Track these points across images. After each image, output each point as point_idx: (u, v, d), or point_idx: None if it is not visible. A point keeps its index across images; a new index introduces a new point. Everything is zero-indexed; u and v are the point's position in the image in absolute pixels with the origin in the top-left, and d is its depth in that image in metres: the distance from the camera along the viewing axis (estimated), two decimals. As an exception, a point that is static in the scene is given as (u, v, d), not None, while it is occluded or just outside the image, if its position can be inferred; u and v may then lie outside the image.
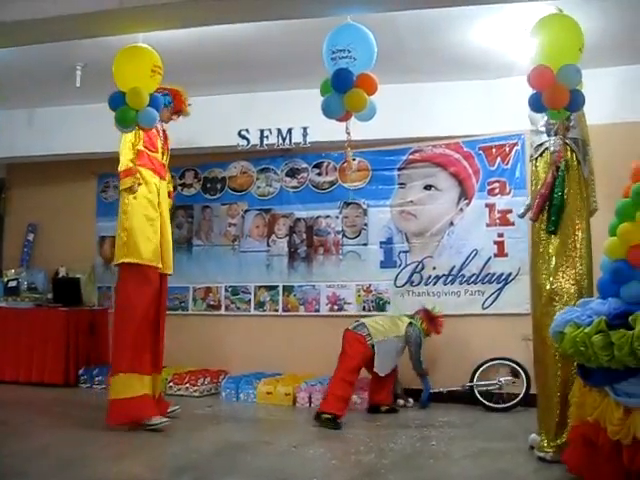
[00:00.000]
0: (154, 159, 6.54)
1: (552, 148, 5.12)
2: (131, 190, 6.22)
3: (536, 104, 4.46)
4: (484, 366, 7.29)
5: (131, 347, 6.28)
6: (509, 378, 7.14)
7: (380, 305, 7.98)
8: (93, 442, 5.77)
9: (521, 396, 6.92)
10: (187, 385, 7.90)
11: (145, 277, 6.38)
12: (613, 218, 4.39)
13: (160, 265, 6.46)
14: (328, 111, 5.13)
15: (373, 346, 6.76)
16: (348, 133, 5.29)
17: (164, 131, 6.81)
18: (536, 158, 5.35)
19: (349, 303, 8.16)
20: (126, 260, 6.31)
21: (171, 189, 7.01)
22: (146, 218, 6.39)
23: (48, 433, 6.10)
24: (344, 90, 5.04)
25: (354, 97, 5.06)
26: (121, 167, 6.32)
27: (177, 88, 6.54)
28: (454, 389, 7.29)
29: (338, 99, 5.05)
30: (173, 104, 6.60)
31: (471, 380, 7.27)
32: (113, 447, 5.66)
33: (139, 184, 6.25)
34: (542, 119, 5.18)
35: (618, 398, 3.96)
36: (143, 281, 6.36)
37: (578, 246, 5.13)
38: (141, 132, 6.21)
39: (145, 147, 6.44)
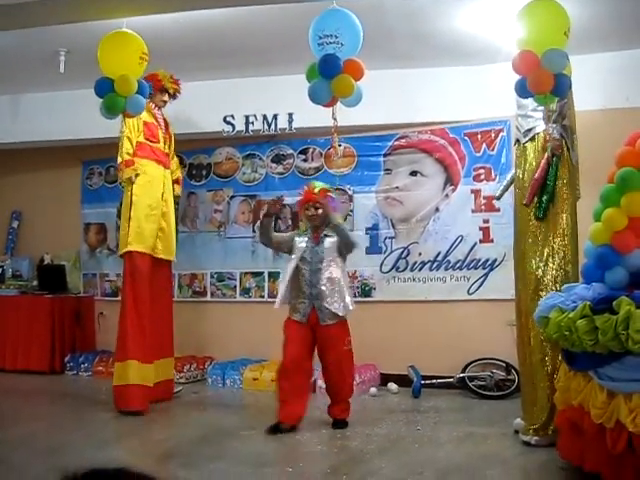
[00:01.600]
0: (156, 150, 6.71)
1: (554, 134, 5.11)
2: (130, 181, 6.49)
3: (522, 90, 4.46)
4: (475, 363, 7.31)
5: (127, 335, 6.42)
6: (501, 373, 7.15)
7: (366, 291, 7.99)
8: (79, 429, 5.78)
9: (515, 385, 6.85)
10: (183, 373, 7.89)
11: (141, 265, 6.57)
12: (598, 204, 4.41)
13: (158, 254, 6.69)
14: (315, 97, 5.12)
15: None
16: (334, 119, 5.28)
17: (165, 119, 6.90)
18: (525, 143, 5.35)
19: (335, 289, 8.15)
20: (127, 249, 6.54)
21: (179, 175, 7.19)
22: (148, 209, 6.60)
23: (33, 421, 6.10)
24: (331, 76, 5.03)
25: (341, 83, 5.06)
26: (119, 159, 6.52)
27: (150, 73, 6.52)
28: (445, 381, 7.29)
29: (325, 85, 5.04)
30: (152, 89, 6.60)
31: (463, 372, 7.29)
32: (99, 434, 5.67)
33: (137, 175, 6.49)
34: (531, 103, 5.18)
35: (602, 382, 3.98)
36: (139, 269, 6.56)
37: (565, 232, 5.16)
38: (139, 124, 6.38)
39: (146, 139, 6.65)
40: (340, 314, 5.78)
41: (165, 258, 6.79)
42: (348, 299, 5.82)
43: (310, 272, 5.79)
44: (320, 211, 5.84)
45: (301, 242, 5.93)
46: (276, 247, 6.46)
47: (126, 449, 5.34)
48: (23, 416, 6.27)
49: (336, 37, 5.03)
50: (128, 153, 6.49)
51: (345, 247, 5.91)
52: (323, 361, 5.93)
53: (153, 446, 5.37)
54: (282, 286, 6.02)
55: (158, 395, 6.61)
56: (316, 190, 5.88)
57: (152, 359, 6.53)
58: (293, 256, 5.89)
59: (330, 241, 5.88)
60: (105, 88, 5.36)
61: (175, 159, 7.21)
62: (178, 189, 7.15)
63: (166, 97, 6.83)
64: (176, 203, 7.13)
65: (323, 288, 5.74)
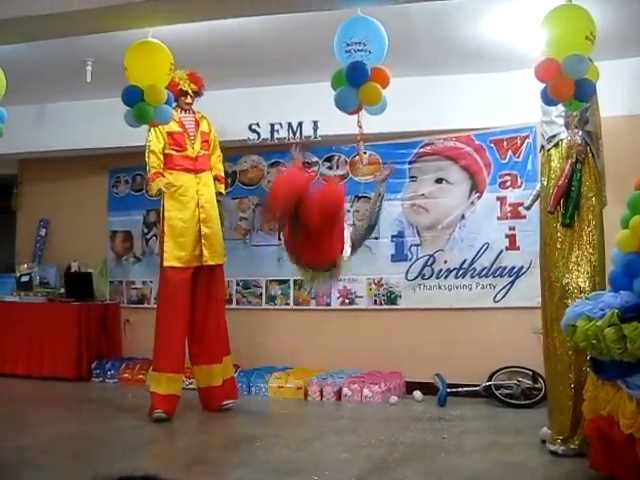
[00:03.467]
0: (183, 158, 6.69)
1: (576, 140, 5.08)
2: (160, 192, 6.58)
3: (547, 97, 4.43)
4: (501, 371, 7.26)
5: (157, 347, 6.58)
6: (527, 381, 7.08)
7: (391, 299, 7.96)
8: (105, 435, 5.82)
9: (542, 394, 6.75)
10: (196, 376, 7.89)
11: (175, 279, 6.62)
12: (625, 211, 4.37)
13: (207, 261, 6.68)
14: (342, 104, 5.10)
15: None
16: (360, 127, 5.27)
17: (196, 119, 6.87)
18: (549, 149, 5.32)
19: (360, 297, 8.14)
20: (163, 265, 6.65)
21: (217, 172, 7.04)
22: (180, 222, 6.63)
23: (60, 427, 6.14)
24: (359, 83, 5.02)
25: (369, 91, 5.04)
26: (147, 174, 6.68)
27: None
28: (471, 389, 7.24)
29: (352, 92, 5.02)
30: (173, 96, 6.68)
31: (489, 380, 7.24)
32: (125, 440, 5.69)
33: (167, 184, 6.56)
34: (555, 109, 5.14)
35: (631, 391, 3.94)
36: (173, 283, 6.62)
37: (592, 240, 5.11)
38: (163, 135, 6.41)
39: (172, 149, 6.67)
40: None
41: (214, 264, 6.76)
42: None
43: None
44: None
45: None
46: None
47: (152, 456, 5.36)
48: (50, 422, 6.30)
49: (364, 45, 5.02)
50: (153, 167, 6.58)
51: None
52: None
53: (179, 453, 5.38)
54: None
55: (226, 395, 6.75)
56: None
57: (179, 369, 6.59)
58: None
59: None
60: (135, 97, 5.39)
61: (217, 154, 7.08)
62: (219, 186, 7.02)
63: (189, 99, 6.78)
64: (218, 200, 7.09)
65: None
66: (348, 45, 5.01)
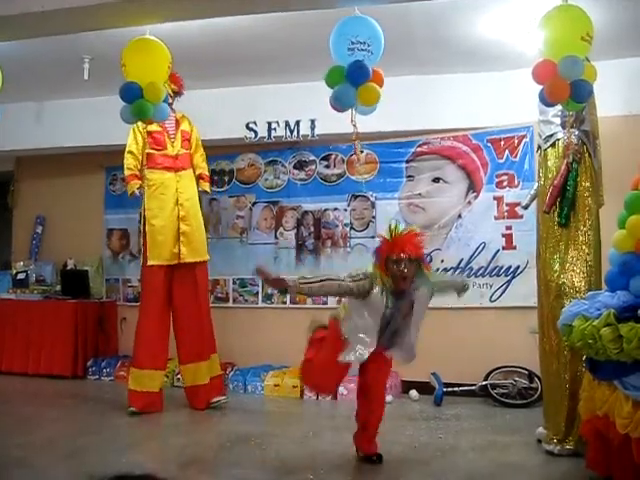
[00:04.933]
0: (163, 156, 6.73)
1: (572, 139, 5.08)
2: (134, 195, 6.74)
3: (544, 99, 4.43)
4: (497, 371, 7.27)
5: (136, 344, 6.70)
6: (524, 381, 7.09)
7: (388, 297, 7.95)
8: (101, 433, 5.81)
9: (538, 393, 6.77)
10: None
11: (151, 277, 6.72)
12: (621, 211, 4.37)
13: (184, 258, 6.70)
14: (339, 101, 5.08)
15: None
16: (354, 125, 5.27)
17: (177, 119, 6.87)
18: (546, 149, 5.33)
19: (357, 295, 8.13)
20: (150, 263, 6.71)
21: (201, 171, 7.06)
22: (159, 220, 6.68)
23: (56, 424, 6.13)
24: (360, 83, 5.02)
25: (369, 91, 5.05)
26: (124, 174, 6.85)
27: None
28: (467, 389, 7.25)
29: (352, 91, 5.02)
30: None
31: (485, 379, 7.25)
32: (120, 438, 5.70)
33: (139, 188, 6.70)
34: (553, 109, 5.15)
35: (627, 392, 3.94)
36: (150, 280, 6.74)
37: (588, 240, 5.12)
38: (141, 136, 6.45)
39: (152, 148, 6.73)
40: None
41: (193, 261, 6.76)
42: None
43: None
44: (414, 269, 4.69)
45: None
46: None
47: (147, 454, 5.35)
48: (46, 420, 6.29)
49: (368, 45, 5.02)
50: (129, 168, 6.72)
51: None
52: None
53: (174, 451, 5.37)
54: None
55: (211, 393, 6.76)
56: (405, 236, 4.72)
57: (161, 366, 6.71)
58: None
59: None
60: (134, 93, 5.38)
61: (200, 153, 7.09)
62: (203, 185, 7.04)
63: (169, 99, 6.56)
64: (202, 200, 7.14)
65: None
66: (352, 43, 4.99)
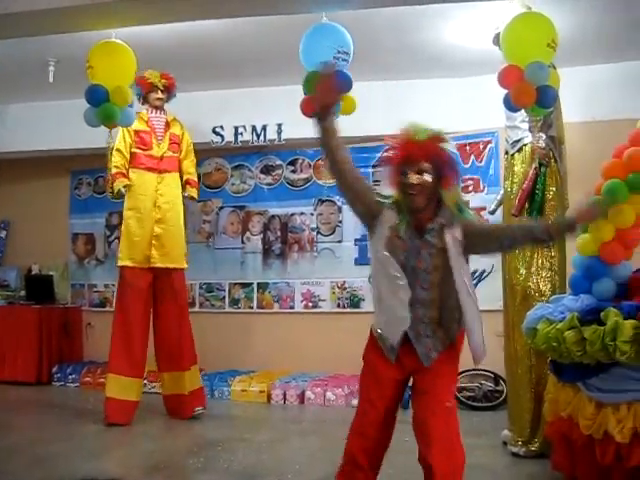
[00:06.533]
0: (148, 157, 6.61)
1: (540, 144, 5.14)
2: (120, 194, 6.55)
3: (509, 104, 4.48)
4: (463, 374, 7.30)
5: (113, 348, 6.46)
6: (489, 384, 7.16)
7: (354, 302, 7.99)
8: (67, 440, 5.75)
9: (504, 396, 6.81)
10: (162, 383, 7.85)
11: (129, 279, 6.55)
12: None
13: (155, 263, 6.54)
14: None
15: None
16: None
17: (167, 120, 6.78)
18: (513, 154, 5.39)
19: (324, 300, 8.17)
20: (118, 264, 6.63)
21: (188, 177, 6.90)
22: (135, 220, 6.56)
23: (21, 431, 6.08)
24: (344, 92, 5.06)
25: (349, 101, 5.11)
26: (109, 173, 6.56)
27: (138, 75, 6.48)
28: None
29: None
30: (143, 91, 6.64)
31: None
32: (87, 445, 5.65)
33: (125, 186, 6.51)
34: (520, 114, 5.21)
35: (590, 393, 4.00)
36: (127, 283, 6.56)
37: (553, 244, 5.18)
38: (128, 135, 6.36)
39: (138, 147, 6.60)
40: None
41: (164, 266, 6.58)
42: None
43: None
44: (428, 179, 3.16)
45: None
46: (351, 194, 3.37)
47: (114, 460, 5.31)
48: (10, 427, 6.23)
49: (348, 55, 5.08)
50: (116, 166, 6.51)
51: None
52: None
53: (141, 458, 5.33)
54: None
55: (195, 404, 6.63)
56: (421, 137, 3.22)
57: (139, 373, 6.50)
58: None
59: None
60: (100, 96, 5.34)
61: (191, 159, 6.95)
62: (190, 190, 6.86)
63: (159, 94, 6.66)
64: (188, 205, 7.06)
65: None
66: (339, 52, 5.03)
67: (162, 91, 6.66)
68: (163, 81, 6.63)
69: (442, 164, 3.16)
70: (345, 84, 4.73)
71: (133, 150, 6.59)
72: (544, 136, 5.16)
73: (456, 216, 3.21)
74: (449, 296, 3.29)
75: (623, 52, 6.74)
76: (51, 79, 7.11)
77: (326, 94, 3.27)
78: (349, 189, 3.35)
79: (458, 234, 3.18)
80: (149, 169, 6.60)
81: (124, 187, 6.51)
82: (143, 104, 6.69)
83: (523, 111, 4.81)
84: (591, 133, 6.86)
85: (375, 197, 3.34)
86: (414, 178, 3.14)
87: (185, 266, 6.81)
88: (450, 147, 3.21)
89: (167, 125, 6.78)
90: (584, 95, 6.90)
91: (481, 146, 7.64)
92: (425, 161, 3.14)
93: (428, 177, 3.14)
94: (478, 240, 3.24)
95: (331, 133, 3.26)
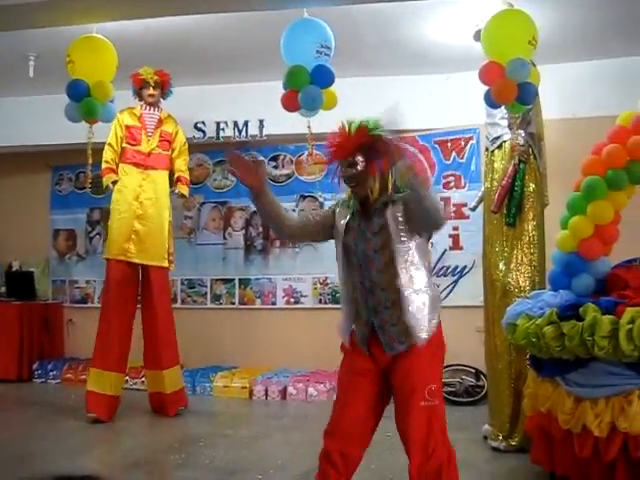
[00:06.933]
0: (135, 152, 6.58)
1: (518, 140, 5.17)
2: (108, 189, 6.56)
3: (490, 100, 4.50)
4: (445, 369, 7.33)
5: (97, 342, 6.46)
6: (470, 379, 7.19)
7: (336, 298, 7.99)
8: (48, 437, 5.74)
9: (485, 391, 6.84)
10: (143, 379, 7.82)
11: (113, 273, 6.54)
12: (565, 211, 4.47)
13: (131, 258, 6.51)
14: (310, 103, 5.10)
15: None
16: (309, 127, 5.33)
17: (160, 119, 6.73)
18: (493, 151, 5.42)
19: (305, 296, 8.18)
20: (104, 256, 6.65)
21: (179, 174, 6.84)
22: (117, 213, 6.56)
23: (1, 429, 6.04)
24: (325, 86, 5.07)
25: (331, 95, 5.12)
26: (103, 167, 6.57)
27: (133, 72, 6.52)
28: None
29: (320, 93, 5.06)
30: (136, 87, 6.64)
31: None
32: (67, 442, 5.62)
33: (114, 182, 6.51)
34: (500, 111, 5.23)
35: (569, 388, 4.03)
36: (111, 277, 6.55)
37: (533, 240, 5.22)
38: (120, 130, 6.34)
39: (127, 142, 6.59)
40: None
41: (141, 263, 6.56)
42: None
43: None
44: (360, 168, 3.18)
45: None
46: (308, 237, 3.57)
47: (94, 457, 5.30)
48: (-10, 424, 6.21)
49: (330, 50, 5.09)
50: (106, 161, 6.51)
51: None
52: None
53: (121, 454, 5.33)
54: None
55: (177, 403, 6.62)
56: (350, 131, 3.21)
57: (120, 368, 6.45)
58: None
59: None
60: (81, 91, 5.32)
61: (183, 158, 6.89)
62: (180, 187, 6.80)
63: (151, 90, 6.62)
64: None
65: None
66: (322, 47, 5.03)
67: (154, 87, 6.62)
68: (155, 77, 6.59)
69: (372, 151, 3.15)
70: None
71: (123, 145, 6.57)
72: (523, 133, 5.20)
73: (398, 194, 3.19)
74: None
75: (604, 49, 6.78)
76: (31, 74, 7.06)
77: (246, 177, 3.26)
78: (303, 236, 3.56)
79: (399, 211, 3.16)
80: (135, 164, 6.58)
81: (112, 183, 6.51)
82: (139, 100, 6.68)
83: (503, 108, 4.84)
84: (573, 130, 6.89)
85: (319, 216, 3.43)
86: (347, 171, 3.21)
87: (166, 265, 6.71)
88: (385, 132, 3.12)
89: (160, 122, 6.74)
90: (565, 92, 6.94)
91: (462, 142, 7.67)
92: (353, 153, 3.17)
93: (360, 167, 3.18)
94: (407, 212, 3.14)
95: (268, 206, 3.38)
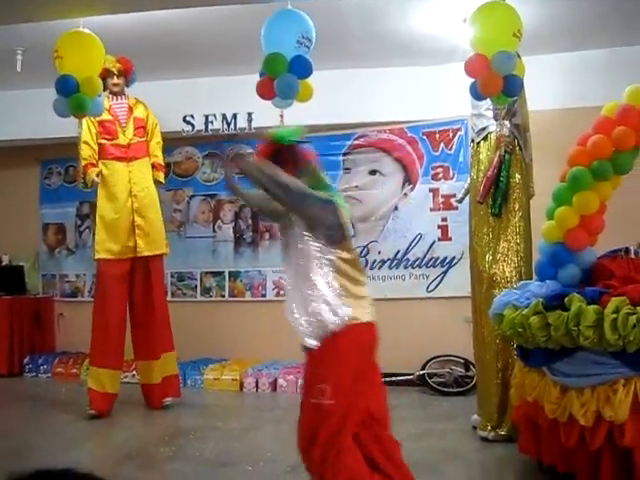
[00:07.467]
0: (114, 146, 6.55)
1: (503, 132, 5.20)
2: (94, 183, 6.49)
3: (476, 92, 4.51)
4: (434, 360, 7.38)
5: (93, 341, 6.48)
6: (460, 369, 7.23)
7: (326, 290, 8.02)
8: (39, 432, 5.76)
9: (474, 381, 6.91)
10: (134, 372, 7.83)
11: (107, 272, 6.52)
12: (551, 202, 4.50)
13: (142, 252, 6.51)
14: (285, 90, 5.10)
15: None
16: (281, 116, 5.36)
17: (130, 106, 6.69)
18: (478, 142, 5.45)
19: (295, 288, 8.18)
20: (95, 257, 6.61)
21: (155, 160, 6.82)
22: (111, 212, 6.52)
23: (-8, 423, 6.06)
24: (303, 77, 5.08)
25: (306, 87, 5.13)
26: (79, 166, 6.50)
27: None
28: (405, 378, 7.33)
29: (295, 82, 5.06)
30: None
31: (422, 369, 7.37)
32: (59, 436, 5.65)
33: (97, 175, 6.46)
34: (485, 103, 5.25)
35: (555, 378, 4.07)
36: (104, 276, 6.54)
37: (519, 230, 5.26)
38: (93, 126, 6.32)
39: (103, 138, 6.55)
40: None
41: (150, 254, 6.57)
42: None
43: None
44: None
45: None
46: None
47: (86, 451, 5.32)
48: (-19, 419, 6.22)
49: (310, 42, 5.09)
50: (84, 158, 6.46)
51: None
52: None
53: (113, 447, 5.36)
54: None
55: (165, 393, 6.62)
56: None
57: (117, 365, 6.48)
58: None
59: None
60: (70, 87, 5.31)
61: (157, 140, 6.87)
62: (156, 174, 6.79)
63: (115, 79, 6.54)
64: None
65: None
66: (303, 38, 5.04)
67: (117, 76, 6.54)
68: (118, 65, 6.51)
69: (278, 159, 3.36)
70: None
71: (100, 141, 6.52)
72: (508, 124, 5.22)
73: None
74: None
75: (590, 40, 6.80)
76: (19, 68, 7.04)
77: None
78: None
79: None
80: (118, 159, 6.55)
81: (97, 175, 6.46)
82: (104, 90, 6.63)
83: (488, 99, 4.85)
84: (562, 120, 6.91)
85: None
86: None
87: (166, 251, 6.80)
88: (295, 138, 3.41)
89: (130, 110, 6.69)
90: (556, 83, 7.00)
91: (451, 134, 7.69)
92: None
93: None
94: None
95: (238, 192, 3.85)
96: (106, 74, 6.48)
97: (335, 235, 3.27)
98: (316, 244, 3.25)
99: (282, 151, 3.40)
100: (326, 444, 3.22)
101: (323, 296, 3.24)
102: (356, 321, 3.36)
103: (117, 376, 6.49)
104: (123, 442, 5.46)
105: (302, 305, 3.29)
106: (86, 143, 6.47)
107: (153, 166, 6.79)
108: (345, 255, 3.30)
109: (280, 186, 3.23)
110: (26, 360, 8.55)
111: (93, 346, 6.47)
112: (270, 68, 5.08)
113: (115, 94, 6.63)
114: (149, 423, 6.20)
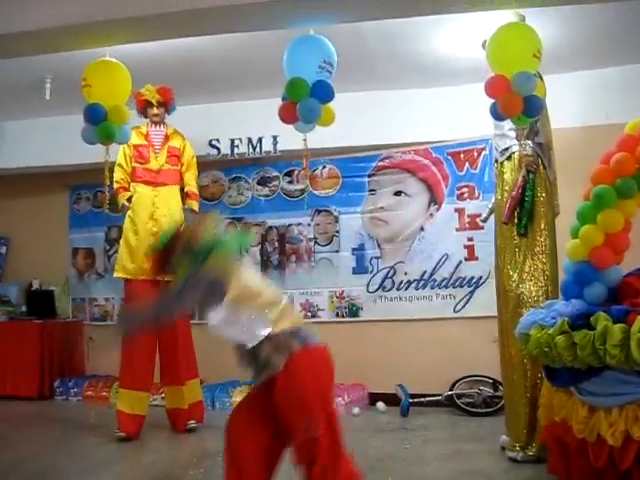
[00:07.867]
0: (145, 170, 6.66)
1: (527, 151, 5.20)
2: (124, 207, 6.63)
3: (496, 113, 4.53)
4: (463, 381, 7.36)
5: (122, 363, 6.52)
6: (488, 390, 7.19)
7: (353, 311, 8.03)
8: (68, 454, 5.80)
9: (503, 401, 6.85)
10: (162, 395, 7.86)
11: (132, 291, 6.60)
12: (575, 220, 4.49)
13: (141, 276, 6.50)
14: (307, 115, 5.15)
15: None
16: (304, 140, 5.41)
17: (166, 135, 6.81)
18: (502, 162, 5.45)
19: (322, 309, 8.20)
20: (115, 275, 6.76)
21: (189, 189, 6.92)
22: (132, 233, 6.62)
23: (23, 445, 6.10)
24: (325, 101, 5.13)
25: (328, 111, 5.18)
26: (112, 189, 6.56)
27: (137, 92, 6.54)
28: (433, 399, 7.31)
29: (317, 106, 5.11)
30: (139, 108, 6.74)
31: (451, 389, 7.34)
32: (88, 459, 5.67)
33: (128, 199, 6.61)
34: (507, 123, 5.26)
35: (582, 397, 4.04)
36: (130, 295, 6.64)
37: (544, 249, 5.23)
38: (127, 150, 6.52)
39: (136, 161, 6.68)
40: None
41: (162, 279, 6.34)
42: None
43: None
44: None
45: None
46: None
47: (114, 473, 5.34)
48: (13, 441, 6.26)
49: (332, 67, 5.15)
50: (117, 181, 6.58)
51: None
52: None
53: (141, 470, 5.38)
54: None
55: (190, 418, 6.63)
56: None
57: (147, 387, 6.51)
58: None
59: None
60: (99, 115, 5.41)
61: (192, 172, 6.98)
62: (190, 203, 6.88)
63: (155, 110, 6.70)
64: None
65: None
66: (324, 63, 5.10)
67: (157, 107, 6.71)
68: (157, 97, 6.66)
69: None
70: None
71: (133, 164, 6.66)
72: (531, 143, 5.22)
73: None
74: None
75: (612, 58, 6.80)
76: (48, 96, 7.17)
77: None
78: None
79: None
80: (146, 182, 6.65)
81: (127, 200, 6.59)
82: (144, 118, 6.77)
83: (509, 120, 4.86)
84: (585, 138, 6.90)
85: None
86: None
87: None
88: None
89: (166, 138, 6.81)
90: (577, 101, 6.99)
91: (475, 153, 7.70)
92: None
93: None
94: None
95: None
96: (146, 104, 6.61)
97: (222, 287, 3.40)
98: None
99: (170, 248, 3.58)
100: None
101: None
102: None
103: (146, 398, 6.52)
104: (151, 464, 5.48)
105: None
106: (120, 166, 6.60)
107: (187, 195, 6.89)
108: (239, 289, 3.41)
109: (160, 315, 3.62)
110: (56, 383, 8.62)
111: (123, 368, 6.52)
112: (292, 93, 5.14)
113: (155, 123, 6.78)
114: (176, 446, 6.22)
